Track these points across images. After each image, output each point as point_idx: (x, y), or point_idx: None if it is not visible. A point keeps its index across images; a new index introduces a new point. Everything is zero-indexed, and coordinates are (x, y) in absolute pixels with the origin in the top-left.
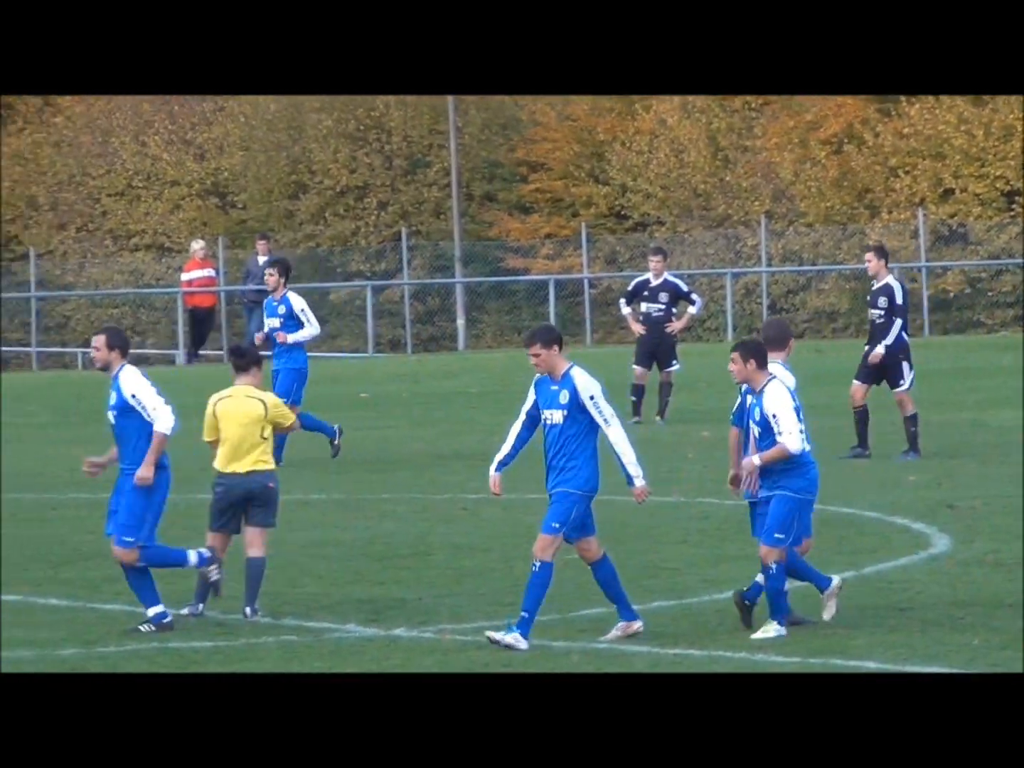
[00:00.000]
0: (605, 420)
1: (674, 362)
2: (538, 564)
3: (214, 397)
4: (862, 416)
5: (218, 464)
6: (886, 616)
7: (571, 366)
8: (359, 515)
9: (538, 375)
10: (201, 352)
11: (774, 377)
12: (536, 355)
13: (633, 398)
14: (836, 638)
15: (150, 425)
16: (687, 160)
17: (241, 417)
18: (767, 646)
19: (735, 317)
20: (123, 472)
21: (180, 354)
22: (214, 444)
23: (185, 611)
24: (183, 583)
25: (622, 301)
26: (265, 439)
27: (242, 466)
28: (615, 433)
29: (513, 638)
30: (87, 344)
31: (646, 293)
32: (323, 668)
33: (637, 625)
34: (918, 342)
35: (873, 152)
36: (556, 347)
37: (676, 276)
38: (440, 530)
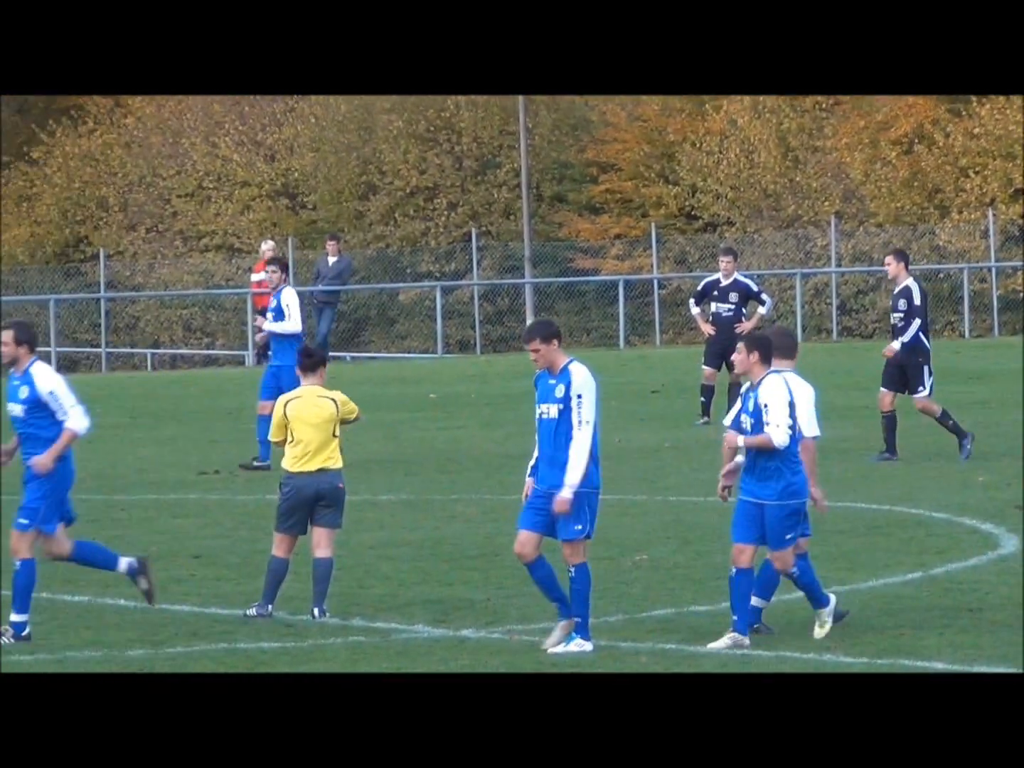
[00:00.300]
0: (579, 421)
1: None
2: (573, 569)
3: (283, 398)
4: (890, 422)
5: (288, 464)
6: (955, 617)
7: (570, 361)
8: (427, 516)
9: (538, 371)
10: (271, 353)
11: (773, 371)
12: (536, 351)
13: (702, 398)
14: (904, 639)
15: (59, 423)
16: (757, 160)
17: (313, 417)
18: (835, 646)
19: (805, 317)
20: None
21: (250, 355)
22: (280, 444)
23: (252, 611)
24: (250, 584)
25: (691, 301)
26: (336, 437)
27: (312, 464)
28: (580, 437)
29: (576, 645)
30: (156, 345)
31: (716, 293)
32: (391, 669)
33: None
34: (988, 342)
35: (943, 152)
36: (555, 342)
37: (746, 276)
38: (508, 531)
